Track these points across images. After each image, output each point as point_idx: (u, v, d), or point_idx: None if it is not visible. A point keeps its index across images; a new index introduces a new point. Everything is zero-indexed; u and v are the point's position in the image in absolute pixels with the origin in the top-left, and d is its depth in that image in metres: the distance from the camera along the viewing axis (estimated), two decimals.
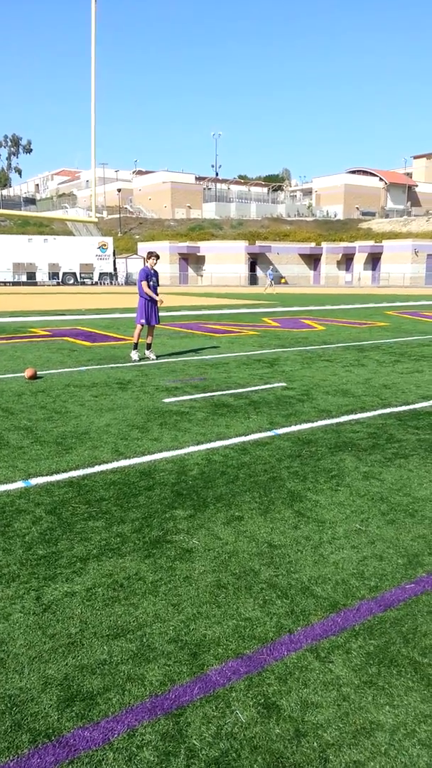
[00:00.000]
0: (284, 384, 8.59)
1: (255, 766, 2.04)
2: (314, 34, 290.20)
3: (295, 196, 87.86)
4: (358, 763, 2.06)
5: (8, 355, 11.48)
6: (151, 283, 10.71)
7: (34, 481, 4.66)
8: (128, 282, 54.07)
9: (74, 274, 52.95)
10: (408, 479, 4.75)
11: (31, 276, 51.44)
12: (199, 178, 79.14)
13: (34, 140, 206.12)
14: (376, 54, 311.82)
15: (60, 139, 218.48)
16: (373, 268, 61.59)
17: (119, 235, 65.22)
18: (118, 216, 68.76)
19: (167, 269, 57.39)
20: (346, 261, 63.65)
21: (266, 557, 3.46)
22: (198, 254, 60.71)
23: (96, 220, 33.48)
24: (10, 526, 3.87)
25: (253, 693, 2.38)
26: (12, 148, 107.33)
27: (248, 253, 59.76)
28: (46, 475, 4.79)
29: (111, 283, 54.43)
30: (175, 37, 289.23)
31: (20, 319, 19.15)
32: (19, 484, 4.58)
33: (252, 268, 60.85)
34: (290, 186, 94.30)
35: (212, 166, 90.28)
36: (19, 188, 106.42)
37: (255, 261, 60.82)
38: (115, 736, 2.15)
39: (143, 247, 58.80)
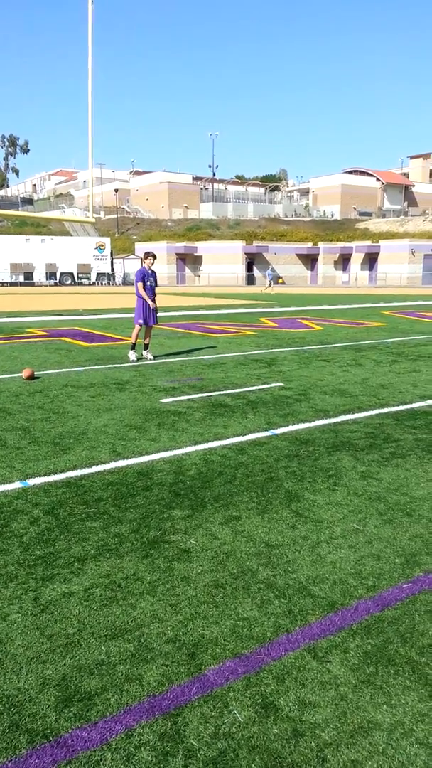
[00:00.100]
0: (281, 384, 8.60)
1: (253, 765, 2.04)
2: (311, 35, 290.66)
3: (292, 196, 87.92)
4: (355, 762, 2.06)
5: (6, 355, 11.47)
6: (148, 283, 10.71)
7: (32, 481, 4.66)
8: (126, 282, 54.02)
9: (72, 274, 52.89)
10: (405, 479, 4.76)
11: (29, 276, 51.36)
12: (196, 179, 79.15)
13: (32, 140, 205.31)
14: (373, 55, 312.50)
15: (57, 140, 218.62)
16: (370, 268, 61.66)
17: (116, 235, 65.17)
18: (115, 216, 68.71)
19: (165, 270, 57.35)
20: (343, 261, 63.71)
21: (264, 557, 3.46)
22: (195, 254, 60.69)
23: (93, 220, 33.50)
24: (8, 526, 3.86)
25: (250, 693, 2.38)
26: (9, 149, 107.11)
27: (245, 254, 59.77)
28: (44, 475, 4.78)
29: (108, 283, 54.38)
30: (173, 38, 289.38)
31: (17, 320, 19.12)
32: (17, 485, 4.58)
33: (249, 268, 60.87)
34: (287, 186, 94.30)
35: (209, 167, 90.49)
36: (16, 188, 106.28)
37: (252, 261, 60.85)
38: (113, 736, 2.15)
39: (140, 248, 58.78)
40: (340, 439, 5.82)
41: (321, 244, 63.61)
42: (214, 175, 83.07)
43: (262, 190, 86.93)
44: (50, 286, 50.74)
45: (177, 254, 59.97)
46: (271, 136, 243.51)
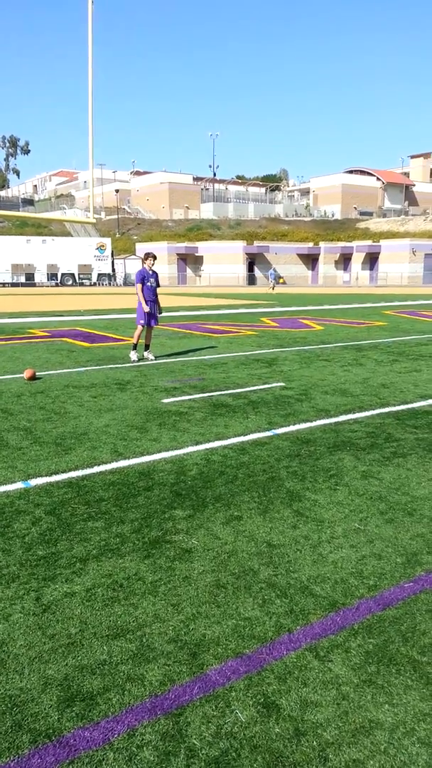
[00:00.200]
0: (283, 384, 8.60)
1: (255, 765, 2.04)
2: (312, 35, 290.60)
3: (293, 196, 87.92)
4: (357, 761, 2.06)
5: (7, 356, 11.48)
6: (149, 284, 10.71)
7: (34, 481, 4.66)
8: (126, 283, 54.06)
9: (73, 275, 52.94)
10: (406, 478, 4.76)
11: (30, 277, 51.42)
12: (196, 179, 79.17)
13: (32, 141, 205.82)
14: (373, 55, 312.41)
15: (58, 140, 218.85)
16: (371, 268, 61.64)
17: (117, 235, 65.20)
18: (116, 217, 68.75)
19: (165, 270, 57.37)
20: (344, 261, 63.70)
21: (265, 557, 3.46)
22: (196, 254, 60.72)
23: (94, 220, 33.52)
24: (10, 526, 3.87)
25: (252, 692, 2.38)
26: (10, 149, 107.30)
27: (246, 254, 59.79)
28: (46, 475, 4.79)
29: (109, 283, 54.43)
30: (173, 38, 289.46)
31: (19, 320, 19.13)
32: (19, 485, 4.59)
33: (250, 268, 60.89)
34: (288, 186, 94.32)
35: (210, 167, 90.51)
36: (17, 189, 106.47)
37: (253, 261, 60.86)
38: (115, 736, 2.16)
39: (141, 248, 58.79)
40: (341, 438, 5.82)
41: (322, 244, 63.61)
42: (214, 175, 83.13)
43: (263, 190, 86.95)
44: (51, 286, 50.79)
45: (178, 254, 60.00)
46: (272, 136, 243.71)
